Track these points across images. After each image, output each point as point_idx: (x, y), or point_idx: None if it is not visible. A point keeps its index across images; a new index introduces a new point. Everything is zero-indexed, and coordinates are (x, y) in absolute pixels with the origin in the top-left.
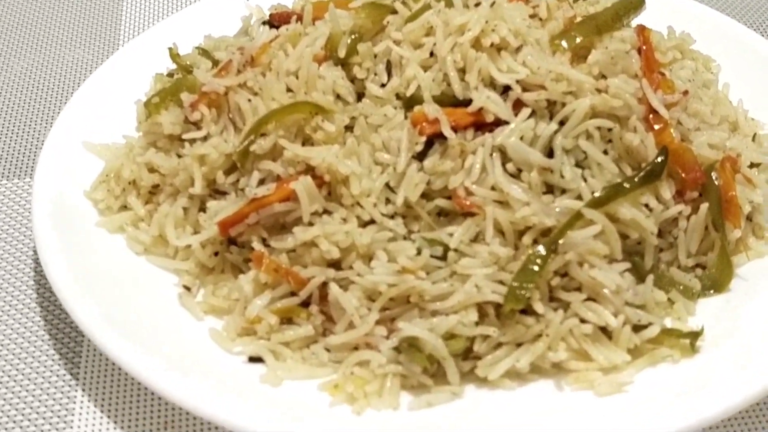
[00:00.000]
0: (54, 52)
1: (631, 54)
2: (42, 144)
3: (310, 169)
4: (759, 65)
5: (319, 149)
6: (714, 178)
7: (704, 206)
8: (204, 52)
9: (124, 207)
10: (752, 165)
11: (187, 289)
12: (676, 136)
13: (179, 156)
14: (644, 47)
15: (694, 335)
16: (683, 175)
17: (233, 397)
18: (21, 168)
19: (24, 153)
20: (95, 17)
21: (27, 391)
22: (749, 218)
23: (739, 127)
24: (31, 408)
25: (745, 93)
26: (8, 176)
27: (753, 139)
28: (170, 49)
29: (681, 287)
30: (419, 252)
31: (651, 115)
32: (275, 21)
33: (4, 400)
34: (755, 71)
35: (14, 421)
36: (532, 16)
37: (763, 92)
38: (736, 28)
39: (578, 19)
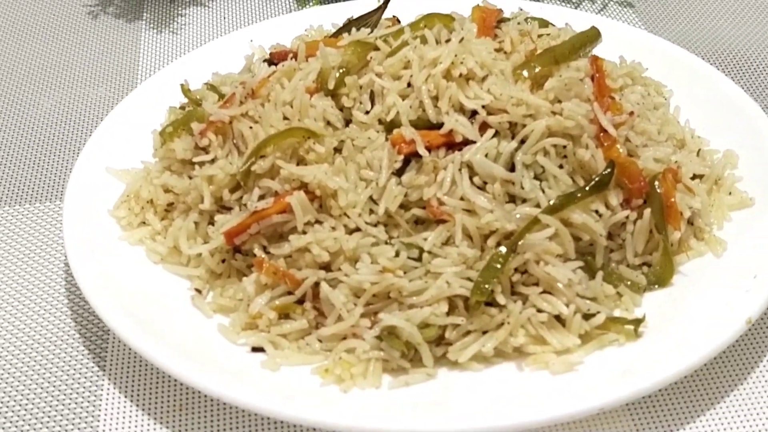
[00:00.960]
0: (78, 90)
1: (585, 81)
2: (70, 170)
3: (303, 186)
4: (707, 90)
5: (311, 168)
6: (657, 187)
7: (647, 212)
8: (212, 87)
9: (143, 223)
10: (696, 176)
11: (199, 291)
12: (624, 152)
13: (190, 177)
14: (597, 75)
15: (637, 322)
16: (629, 185)
17: (237, 380)
18: (52, 192)
19: (53, 179)
20: (115, 58)
21: (61, 380)
22: (690, 222)
23: (686, 144)
24: (65, 395)
25: (695, 115)
26: (40, 199)
27: (697, 154)
28: (182, 85)
29: (628, 282)
30: (398, 254)
31: (601, 134)
32: (274, 59)
33: (42, 388)
34: (704, 95)
35: (50, 406)
36: (497, 50)
37: (710, 115)
38: (687, 57)
39: (538, 51)
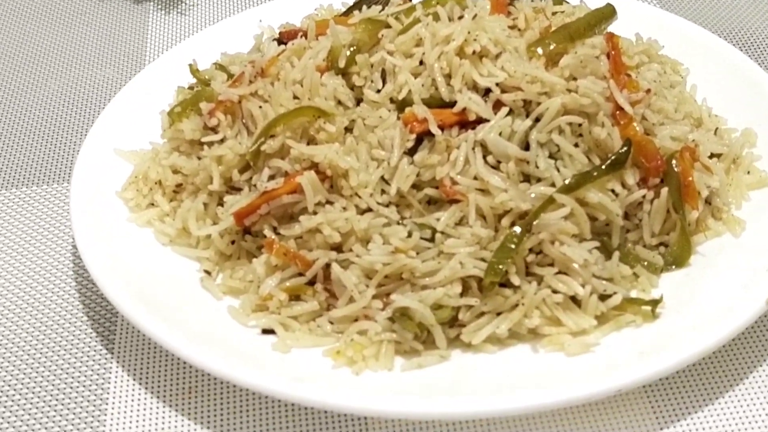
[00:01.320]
0: (86, 71)
1: (600, 58)
2: (78, 152)
3: (314, 165)
4: (724, 69)
5: (322, 147)
6: (674, 165)
7: (665, 191)
8: (220, 67)
9: (152, 204)
10: (713, 155)
11: (208, 273)
12: (640, 130)
13: (199, 158)
14: (612, 52)
15: (655, 303)
16: (646, 163)
17: (247, 362)
18: (59, 174)
19: (61, 161)
20: (123, 40)
21: (69, 363)
22: (708, 202)
23: (703, 123)
24: (73, 377)
25: (712, 94)
26: (48, 181)
27: (715, 133)
28: (190, 65)
29: (645, 263)
30: (410, 235)
31: (617, 112)
32: (284, 38)
33: (50, 371)
34: (721, 74)
35: (59, 389)
36: (511, 27)
37: (727, 93)
38: (703, 35)
39: (553, 28)
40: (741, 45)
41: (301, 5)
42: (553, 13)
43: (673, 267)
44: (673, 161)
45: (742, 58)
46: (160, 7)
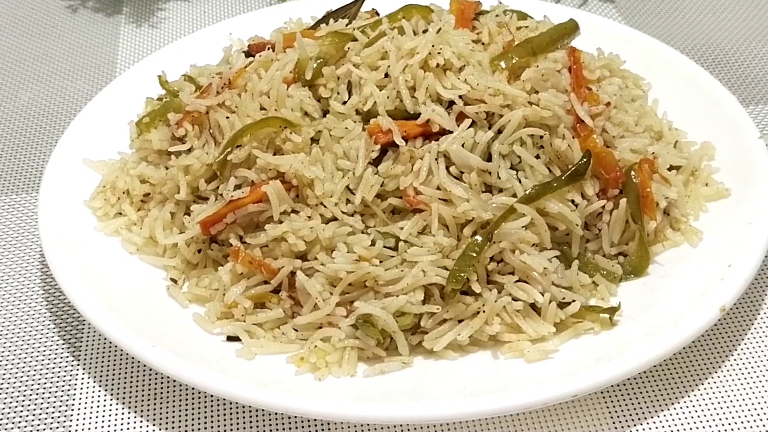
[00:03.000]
0: (56, 83)
1: (562, 72)
2: (47, 162)
3: (279, 175)
4: (686, 84)
5: (288, 158)
6: (633, 177)
7: (623, 201)
8: (189, 79)
9: (119, 214)
10: (672, 168)
11: (174, 281)
12: (600, 142)
13: (167, 168)
14: (574, 66)
15: (612, 310)
16: (605, 174)
17: (212, 366)
18: (28, 184)
19: (30, 171)
20: (94, 52)
21: (35, 370)
22: (666, 212)
23: (663, 136)
24: (39, 384)
25: (673, 108)
26: (16, 191)
27: (675, 146)
28: (159, 76)
29: (604, 272)
30: (374, 243)
31: (578, 125)
32: (253, 51)
33: (15, 377)
34: (682, 89)
35: (24, 395)
36: (475, 41)
37: (688, 107)
38: (665, 50)
39: (516, 43)
40: (703, 62)
41: (271, 19)
42: (518, 28)
43: (632, 276)
44: (632, 173)
45: (703, 73)
46: (131, 20)
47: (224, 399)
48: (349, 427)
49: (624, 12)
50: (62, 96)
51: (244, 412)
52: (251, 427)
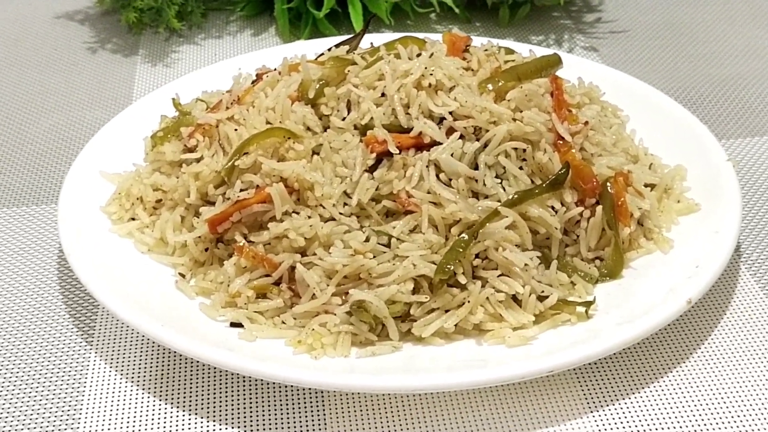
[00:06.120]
0: (76, 112)
1: (545, 95)
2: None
3: (282, 180)
4: (660, 116)
5: (290, 164)
6: (608, 188)
7: (599, 209)
8: (201, 101)
9: (132, 219)
10: (647, 185)
11: (182, 276)
12: (579, 157)
13: (178, 177)
14: (556, 91)
15: (588, 304)
16: (583, 185)
17: (215, 344)
18: (47, 196)
19: (49, 185)
20: (111, 87)
21: (51, 353)
22: (641, 223)
23: (639, 160)
24: (54, 365)
25: (650, 140)
26: (36, 202)
27: (649, 168)
28: (173, 99)
29: (582, 273)
30: (368, 239)
31: (558, 141)
32: (260, 78)
33: (35, 361)
34: (658, 122)
35: (41, 374)
36: (465, 69)
37: (662, 136)
38: (642, 86)
39: (503, 69)
40: (679, 101)
41: (277, 57)
42: (505, 62)
43: (607, 278)
44: (608, 184)
45: (677, 106)
46: (147, 60)
47: (227, 374)
48: (342, 396)
49: (607, 60)
50: (81, 123)
51: (245, 385)
52: (252, 401)
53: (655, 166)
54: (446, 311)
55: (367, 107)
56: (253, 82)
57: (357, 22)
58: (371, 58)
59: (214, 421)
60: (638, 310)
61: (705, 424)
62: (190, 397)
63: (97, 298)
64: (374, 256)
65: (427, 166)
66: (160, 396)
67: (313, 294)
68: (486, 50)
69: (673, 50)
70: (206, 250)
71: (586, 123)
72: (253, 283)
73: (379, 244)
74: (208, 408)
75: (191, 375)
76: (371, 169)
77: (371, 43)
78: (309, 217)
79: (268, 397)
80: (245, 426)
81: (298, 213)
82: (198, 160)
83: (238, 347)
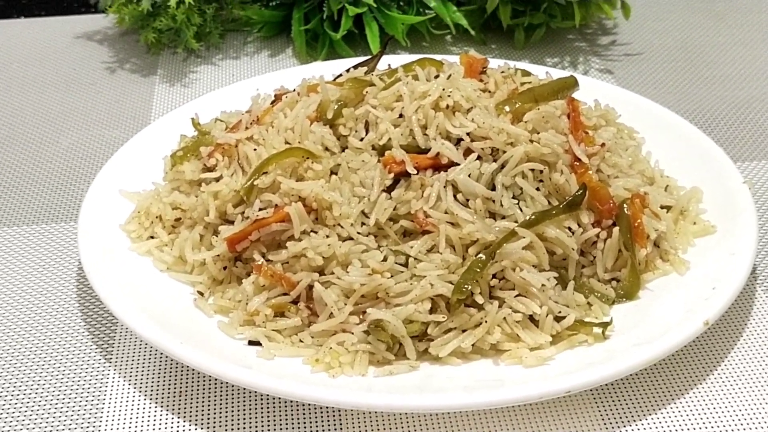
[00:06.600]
0: (95, 131)
1: (561, 117)
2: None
3: (301, 200)
4: (676, 138)
5: (309, 183)
6: (625, 209)
7: (616, 230)
8: (220, 121)
9: (151, 237)
10: (663, 207)
11: (201, 294)
12: (595, 179)
13: (197, 196)
14: (572, 113)
15: (605, 325)
16: (599, 206)
17: (233, 362)
18: (66, 214)
19: (69, 203)
20: (130, 106)
21: (70, 369)
22: (657, 245)
23: (656, 182)
24: (73, 381)
25: (666, 161)
26: (56, 220)
27: (665, 190)
28: (192, 118)
29: (598, 294)
30: (386, 259)
31: (575, 162)
32: (278, 99)
33: (53, 377)
34: (674, 142)
35: (61, 390)
36: (483, 90)
37: (678, 158)
38: (658, 108)
39: (519, 91)
40: (695, 124)
41: (295, 78)
42: (522, 84)
43: (624, 299)
44: (625, 206)
45: (693, 128)
46: (165, 80)
47: (245, 392)
48: (359, 415)
49: (622, 82)
50: (100, 142)
51: (263, 403)
52: (270, 419)
53: (671, 187)
54: (463, 331)
55: (385, 128)
56: (272, 103)
57: (373, 43)
58: (389, 79)
59: None
60: (655, 331)
61: None
62: (209, 415)
63: (117, 315)
64: (392, 276)
65: (444, 187)
66: (179, 414)
67: (331, 313)
68: (503, 72)
69: (688, 73)
70: (225, 268)
71: (603, 145)
72: (271, 302)
73: (396, 263)
74: (226, 426)
75: (210, 393)
76: (389, 189)
77: (389, 65)
78: (327, 237)
79: (286, 415)
80: None
81: (316, 232)
82: (217, 180)
83: (256, 365)
